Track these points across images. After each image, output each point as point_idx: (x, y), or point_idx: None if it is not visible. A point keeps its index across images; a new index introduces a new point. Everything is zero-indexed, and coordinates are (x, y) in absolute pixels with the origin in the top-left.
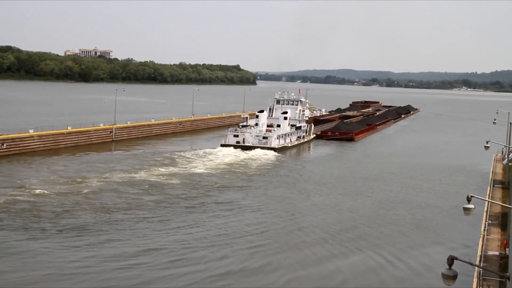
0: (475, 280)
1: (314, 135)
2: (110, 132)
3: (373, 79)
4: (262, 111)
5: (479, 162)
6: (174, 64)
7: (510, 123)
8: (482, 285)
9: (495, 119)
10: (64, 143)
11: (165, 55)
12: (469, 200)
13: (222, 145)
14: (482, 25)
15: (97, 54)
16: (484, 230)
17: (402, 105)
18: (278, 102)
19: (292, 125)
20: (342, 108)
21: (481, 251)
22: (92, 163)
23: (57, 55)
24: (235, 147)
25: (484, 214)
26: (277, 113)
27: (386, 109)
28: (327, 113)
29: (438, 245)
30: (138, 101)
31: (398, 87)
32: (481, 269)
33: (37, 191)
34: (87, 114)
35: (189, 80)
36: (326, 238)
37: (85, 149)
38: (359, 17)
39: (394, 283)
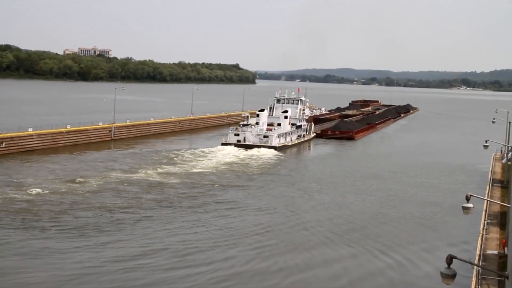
0: (474, 279)
1: (314, 134)
2: (109, 131)
3: (372, 78)
4: (262, 110)
5: (478, 161)
6: (174, 63)
7: (509, 122)
8: (481, 284)
9: (494, 118)
10: (63, 142)
11: (165, 54)
12: (468, 199)
13: (223, 144)
14: (481, 25)
15: (96, 53)
16: (483, 229)
17: (402, 104)
18: (278, 101)
19: (293, 124)
20: (342, 107)
21: (480, 250)
22: (91, 162)
23: (56, 54)
24: (236, 145)
25: (483, 213)
26: (277, 112)
27: (386, 108)
28: (327, 112)
29: (437, 243)
30: (137, 100)
31: (397, 86)
32: (480, 268)
33: (36, 190)
34: (86, 113)
35: (188, 79)
36: (330, 237)
37: (84, 148)
38: (358, 16)
39: (393, 282)
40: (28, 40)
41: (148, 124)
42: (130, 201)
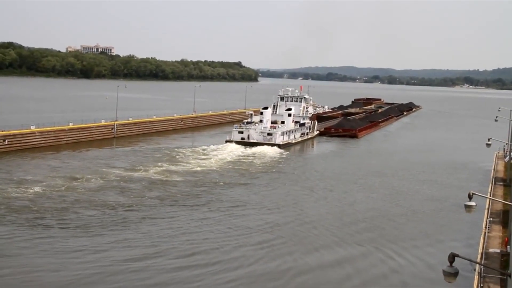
0: (476, 277)
1: (318, 131)
2: (112, 128)
3: (374, 76)
4: (266, 108)
5: (480, 159)
6: (176, 61)
7: None
8: (483, 283)
9: (497, 117)
10: (65, 139)
11: (167, 52)
12: (470, 197)
13: (227, 141)
14: (484, 23)
15: (99, 50)
16: (485, 227)
17: (404, 102)
18: (282, 99)
19: (296, 122)
20: (345, 105)
21: (482, 249)
22: (94, 160)
23: (59, 51)
24: (240, 143)
25: (486, 211)
26: (281, 110)
27: (388, 106)
28: (330, 110)
29: (439, 241)
30: (139, 98)
31: (399, 84)
32: (482, 267)
33: (38, 188)
34: (88, 110)
35: (190, 77)
36: (338, 235)
37: (87, 146)
38: (361, 15)
39: (396, 281)
40: (31, 38)
41: (150, 122)
42: (133, 199)
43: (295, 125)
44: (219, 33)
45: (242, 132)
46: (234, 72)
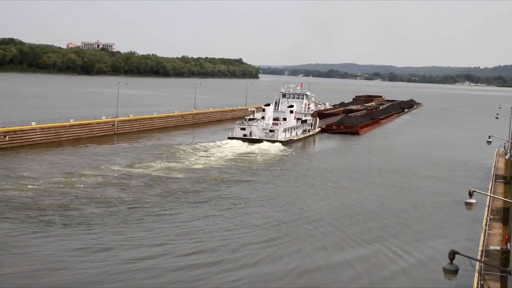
0: (476, 274)
1: (319, 128)
2: (112, 125)
3: (375, 74)
4: (268, 105)
5: (481, 156)
6: (177, 58)
7: None
8: (483, 280)
9: (497, 114)
10: (66, 135)
11: (168, 49)
12: (471, 194)
13: (230, 138)
14: (485, 20)
15: (100, 47)
16: (486, 224)
17: (405, 100)
18: (284, 95)
19: (298, 119)
20: (346, 102)
21: (483, 246)
22: (95, 156)
23: (60, 47)
24: (242, 140)
25: (486, 208)
26: (283, 106)
27: (389, 103)
28: (331, 107)
29: (439, 239)
30: (140, 94)
31: (400, 81)
32: (482, 264)
33: (39, 185)
34: (89, 107)
35: (191, 74)
36: (340, 233)
37: (87, 142)
38: (362, 12)
39: (395, 277)
40: (32, 34)
41: (151, 119)
42: (135, 195)
43: (297, 122)
44: (220, 30)
45: (244, 129)
46: (235, 69)
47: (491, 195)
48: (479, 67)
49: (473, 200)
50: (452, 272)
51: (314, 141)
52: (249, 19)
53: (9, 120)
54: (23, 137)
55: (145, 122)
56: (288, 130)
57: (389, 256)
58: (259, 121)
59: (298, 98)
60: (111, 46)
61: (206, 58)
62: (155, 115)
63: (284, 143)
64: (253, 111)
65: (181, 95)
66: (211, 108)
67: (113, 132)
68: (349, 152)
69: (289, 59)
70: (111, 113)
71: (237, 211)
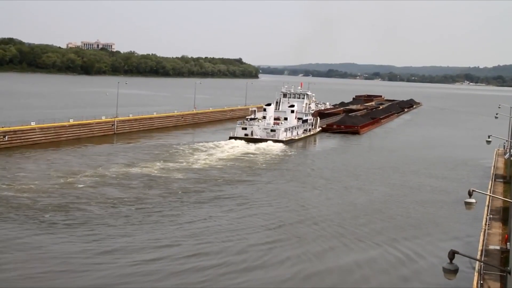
0: (476, 274)
1: (320, 128)
2: (112, 125)
3: (375, 73)
4: (269, 105)
5: (481, 156)
6: (176, 57)
7: None
8: (483, 279)
9: (497, 114)
10: (65, 135)
11: (167, 48)
12: (470, 194)
13: (231, 138)
14: (484, 20)
15: (99, 46)
16: (485, 224)
17: (405, 99)
18: (284, 95)
19: (299, 118)
20: (346, 102)
21: (482, 245)
22: (95, 156)
23: (59, 47)
24: (244, 139)
25: (486, 208)
26: (283, 106)
27: (389, 103)
28: (331, 106)
29: (439, 238)
30: (140, 94)
31: (400, 81)
32: (482, 263)
33: (38, 185)
34: (89, 107)
35: (191, 74)
36: (341, 231)
37: (87, 142)
38: (361, 12)
39: (396, 278)
40: (31, 34)
41: (151, 118)
42: (137, 195)
43: (298, 121)
44: (220, 29)
45: (245, 129)
46: (235, 69)
47: (491, 194)
48: (478, 66)
49: (472, 200)
50: (452, 271)
51: (315, 141)
52: (249, 19)
53: (9, 120)
54: (22, 137)
55: (145, 122)
56: (289, 129)
57: (388, 256)
58: (260, 120)
59: (299, 98)
60: (111, 46)
61: (206, 58)
62: (155, 115)
63: (285, 142)
64: (254, 110)
65: (181, 95)
66: (210, 108)
67: (113, 132)
68: (349, 151)
69: (289, 59)
70: (111, 113)
71: (241, 211)
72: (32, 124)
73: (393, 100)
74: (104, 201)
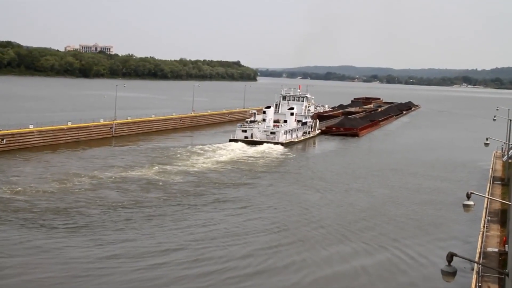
0: (474, 276)
1: (319, 130)
2: (110, 128)
3: (373, 76)
4: (269, 107)
5: (479, 158)
6: (175, 60)
7: (510, 120)
8: (481, 282)
9: (495, 116)
10: (64, 138)
11: (166, 51)
12: (468, 196)
13: (231, 140)
14: (482, 23)
15: (98, 49)
16: (484, 226)
17: (403, 102)
18: (284, 98)
19: (299, 121)
20: (344, 104)
21: (481, 248)
22: (94, 159)
23: (57, 50)
24: (244, 142)
25: (484, 210)
26: (283, 109)
27: (388, 106)
28: (330, 109)
29: (437, 241)
30: (138, 97)
31: (398, 83)
32: (480, 266)
33: (37, 188)
34: (87, 109)
35: (189, 76)
36: (344, 233)
37: (85, 145)
38: (360, 14)
39: (396, 279)
40: (29, 37)
41: (149, 121)
42: (137, 199)
43: (297, 124)
44: (218, 32)
45: (245, 131)
46: (233, 72)
47: (489, 197)
48: (476, 69)
49: (471, 202)
50: (450, 274)
51: (315, 143)
52: (247, 22)
53: (7, 123)
54: (20, 140)
55: (143, 124)
56: (289, 132)
57: (388, 258)
58: (260, 123)
59: (299, 100)
60: (109, 48)
61: (204, 60)
62: (153, 117)
63: (285, 145)
64: (254, 113)
65: (179, 98)
66: (209, 111)
67: (111, 135)
68: (349, 154)
69: (287, 61)
70: (109, 116)
71: (243, 215)
72: (30, 127)
73: (392, 103)
74: (104, 205)
